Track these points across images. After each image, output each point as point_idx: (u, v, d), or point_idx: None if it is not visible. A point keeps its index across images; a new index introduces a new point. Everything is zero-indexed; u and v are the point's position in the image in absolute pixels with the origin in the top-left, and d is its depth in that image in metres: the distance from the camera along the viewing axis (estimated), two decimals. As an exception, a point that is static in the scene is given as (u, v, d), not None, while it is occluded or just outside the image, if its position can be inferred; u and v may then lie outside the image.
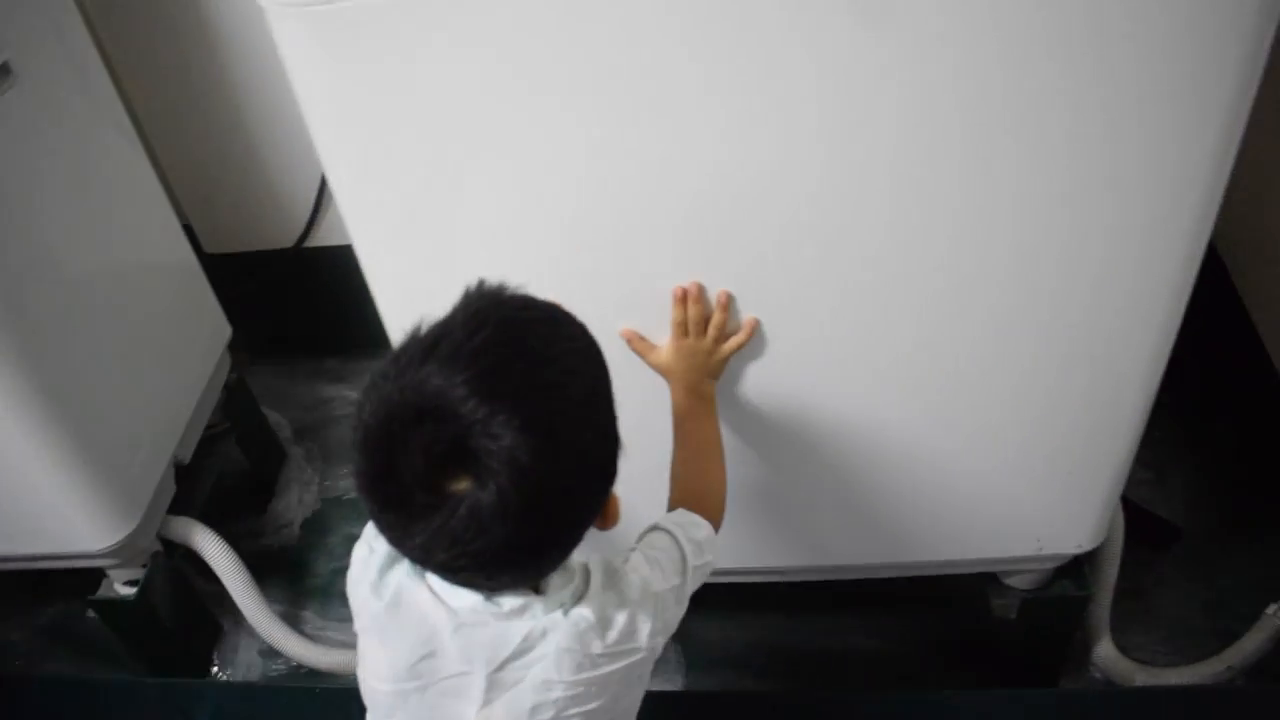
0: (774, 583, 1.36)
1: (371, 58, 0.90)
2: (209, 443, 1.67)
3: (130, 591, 1.49)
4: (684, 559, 0.89)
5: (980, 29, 0.84)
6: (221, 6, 1.59)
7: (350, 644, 1.49)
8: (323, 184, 1.75)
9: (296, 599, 1.71)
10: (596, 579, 0.81)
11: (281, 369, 2.04)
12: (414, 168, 0.97)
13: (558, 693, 0.79)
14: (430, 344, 0.70)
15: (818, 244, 0.99)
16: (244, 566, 1.53)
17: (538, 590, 0.79)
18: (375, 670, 0.83)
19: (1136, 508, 1.41)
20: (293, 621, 1.62)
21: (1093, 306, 1.02)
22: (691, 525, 0.93)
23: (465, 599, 0.78)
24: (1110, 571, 1.39)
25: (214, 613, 1.67)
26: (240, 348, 1.74)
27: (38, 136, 1.28)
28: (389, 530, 0.74)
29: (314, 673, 1.57)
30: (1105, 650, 1.44)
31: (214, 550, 1.52)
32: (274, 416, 1.96)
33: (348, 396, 2.01)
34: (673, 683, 1.46)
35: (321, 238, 1.84)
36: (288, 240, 1.85)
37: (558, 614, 0.78)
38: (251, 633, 1.59)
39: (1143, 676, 1.41)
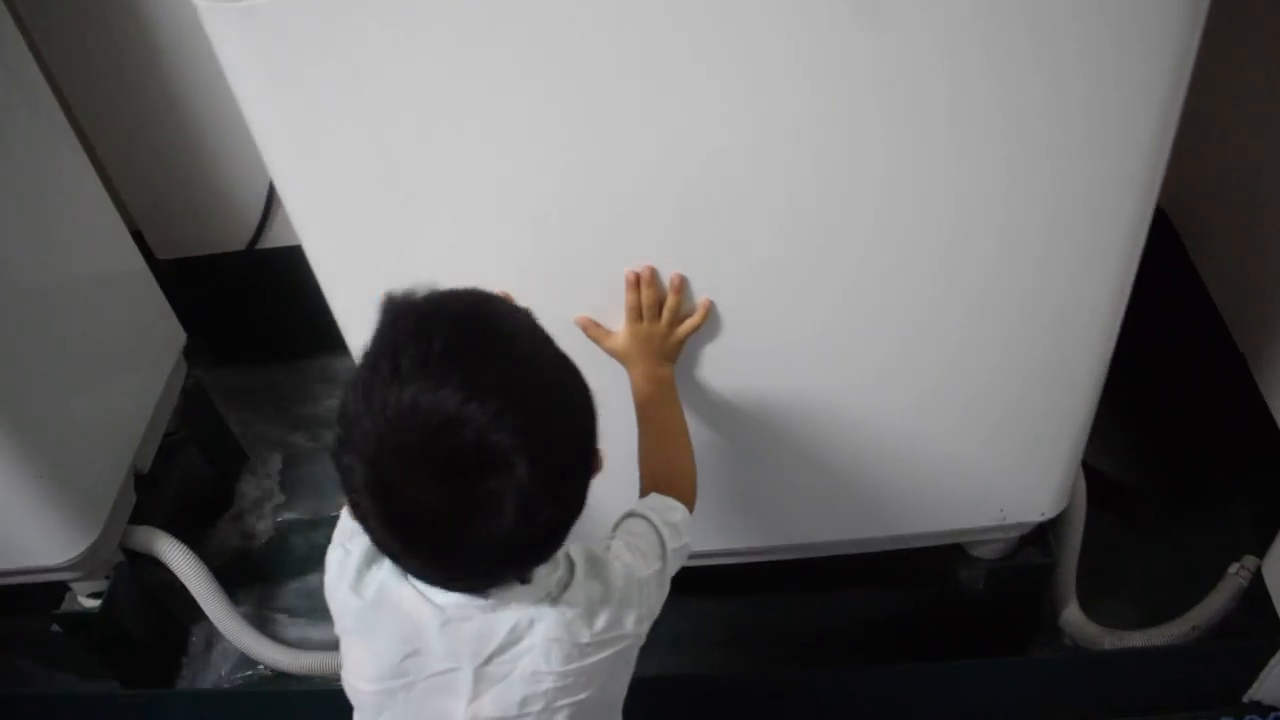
0: (741, 564, 1.36)
1: (309, 53, 0.88)
2: (170, 451, 1.64)
3: (95, 604, 1.47)
4: (663, 543, 0.90)
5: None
6: (158, 6, 1.56)
7: (320, 645, 1.47)
8: (272, 185, 1.73)
9: (265, 603, 1.69)
10: (580, 568, 0.82)
11: (239, 372, 2.02)
12: (358, 165, 0.95)
13: (547, 684, 0.79)
14: (392, 368, 0.68)
15: (770, 223, 0.99)
16: (210, 573, 1.51)
17: (523, 581, 0.79)
18: (359, 671, 0.83)
19: (1097, 472, 1.42)
20: (262, 626, 1.60)
21: (1045, 275, 1.03)
22: (666, 509, 0.93)
23: (451, 594, 0.78)
24: (1074, 537, 1.41)
25: (182, 620, 1.65)
26: (196, 352, 1.72)
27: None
28: (419, 566, 0.75)
29: (285, 677, 1.55)
30: (1072, 615, 1.45)
31: (178, 558, 1.50)
32: (238, 420, 1.94)
33: (309, 395, 1.99)
34: (643, 666, 1.46)
35: (274, 239, 1.82)
36: (240, 243, 1.83)
37: (545, 604, 0.79)
38: (221, 639, 1.57)
39: (1110, 640, 1.43)
